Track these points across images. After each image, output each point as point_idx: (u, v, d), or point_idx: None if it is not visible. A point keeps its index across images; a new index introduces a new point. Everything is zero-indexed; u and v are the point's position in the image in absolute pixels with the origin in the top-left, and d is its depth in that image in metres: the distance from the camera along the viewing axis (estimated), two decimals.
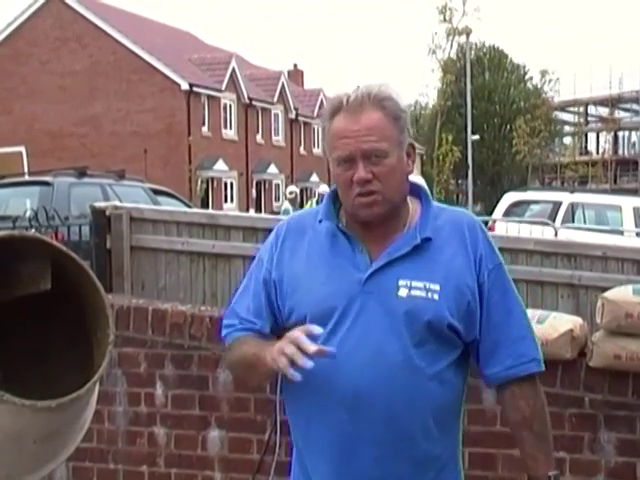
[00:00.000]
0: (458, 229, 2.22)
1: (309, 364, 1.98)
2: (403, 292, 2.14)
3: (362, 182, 2.12)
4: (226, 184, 35.85)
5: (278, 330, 2.24)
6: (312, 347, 1.98)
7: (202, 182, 32.93)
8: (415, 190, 2.28)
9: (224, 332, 2.33)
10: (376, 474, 2.14)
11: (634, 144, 63.14)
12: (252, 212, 30.46)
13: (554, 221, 13.16)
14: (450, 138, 42.37)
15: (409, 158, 2.22)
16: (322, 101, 42.52)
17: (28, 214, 6.40)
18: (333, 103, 2.20)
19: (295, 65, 49.20)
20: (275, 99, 40.43)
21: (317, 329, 2.04)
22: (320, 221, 2.24)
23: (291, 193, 17.42)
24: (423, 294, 2.13)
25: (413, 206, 2.25)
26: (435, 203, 2.28)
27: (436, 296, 2.13)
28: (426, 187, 2.35)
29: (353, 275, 2.16)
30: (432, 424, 2.16)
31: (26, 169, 16.12)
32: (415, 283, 2.14)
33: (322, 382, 2.11)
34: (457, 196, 56.56)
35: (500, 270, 2.25)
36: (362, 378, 2.11)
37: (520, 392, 2.24)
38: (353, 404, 2.11)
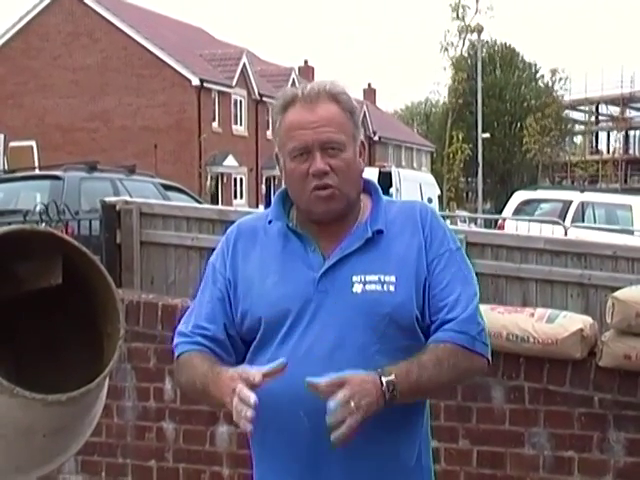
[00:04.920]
0: (411, 218, 2.14)
1: (249, 414, 1.86)
2: (358, 288, 2.06)
3: (319, 174, 2.05)
4: (236, 180, 35.86)
5: (235, 336, 2.16)
6: (252, 398, 1.87)
7: (212, 178, 32.93)
8: (365, 186, 2.20)
9: (175, 341, 2.21)
10: None
11: None
12: (262, 208, 30.45)
13: (564, 220, 13.14)
14: (461, 136, 42.22)
15: (360, 156, 2.16)
16: None
17: (38, 208, 6.40)
18: (286, 95, 2.12)
19: (306, 61, 49.11)
20: None
21: (256, 377, 1.91)
22: (270, 222, 2.17)
23: None
24: (379, 287, 2.06)
25: (365, 202, 2.18)
26: (386, 197, 2.21)
27: (392, 288, 2.06)
28: (376, 182, 2.26)
29: (307, 275, 2.08)
30: (398, 426, 2.07)
31: (37, 163, 16.18)
32: (369, 277, 2.06)
33: (277, 388, 1.99)
34: (467, 194, 56.46)
35: (453, 256, 2.13)
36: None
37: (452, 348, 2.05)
38: (313, 409, 1.98)
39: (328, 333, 2.04)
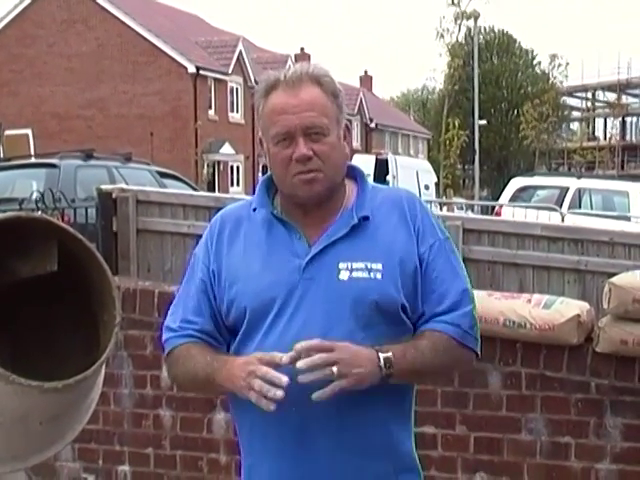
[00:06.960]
0: (397, 206, 2.13)
1: (280, 394, 1.89)
2: (344, 275, 2.05)
3: (303, 159, 2.03)
4: (232, 168, 35.82)
5: (222, 326, 2.15)
6: (284, 378, 1.89)
7: (208, 166, 32.89)
8: (350, 171, 2.19)
9: (165, 336, 2.19)
10: (332, 468, 2.03)
11: None
12: None
13: (561, 206, 13.13)
14: (457, 123, 42.18)
15: (345, 139, 2.14)
16: None
17: (34, 196, 6.39)
18: (268, 79, 2.09)
19: (302, 49, 48.91)
20: None
21: (281, 358, 1.92)
22: (254, 210, 2.15)
23: None
24: (365, 274, 2.04)
25: (349, 187, 2.16)
26: (371, 183, 2.19)
27: (379, 275, 2.04)
28: (361, 168, 2.25)
29: (292, 262, 2.06)
30: (385, 410, 2.06)
31: (32, 151, 16.15)
32: (356, 264, 2.05)
33: None
34: (464, 181, 56.47)
35: (442, 245, 2.13)
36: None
37: (443, 337, 2.07)
38: (300, 400, 1.96)
39: (315, 321, 2.03)
